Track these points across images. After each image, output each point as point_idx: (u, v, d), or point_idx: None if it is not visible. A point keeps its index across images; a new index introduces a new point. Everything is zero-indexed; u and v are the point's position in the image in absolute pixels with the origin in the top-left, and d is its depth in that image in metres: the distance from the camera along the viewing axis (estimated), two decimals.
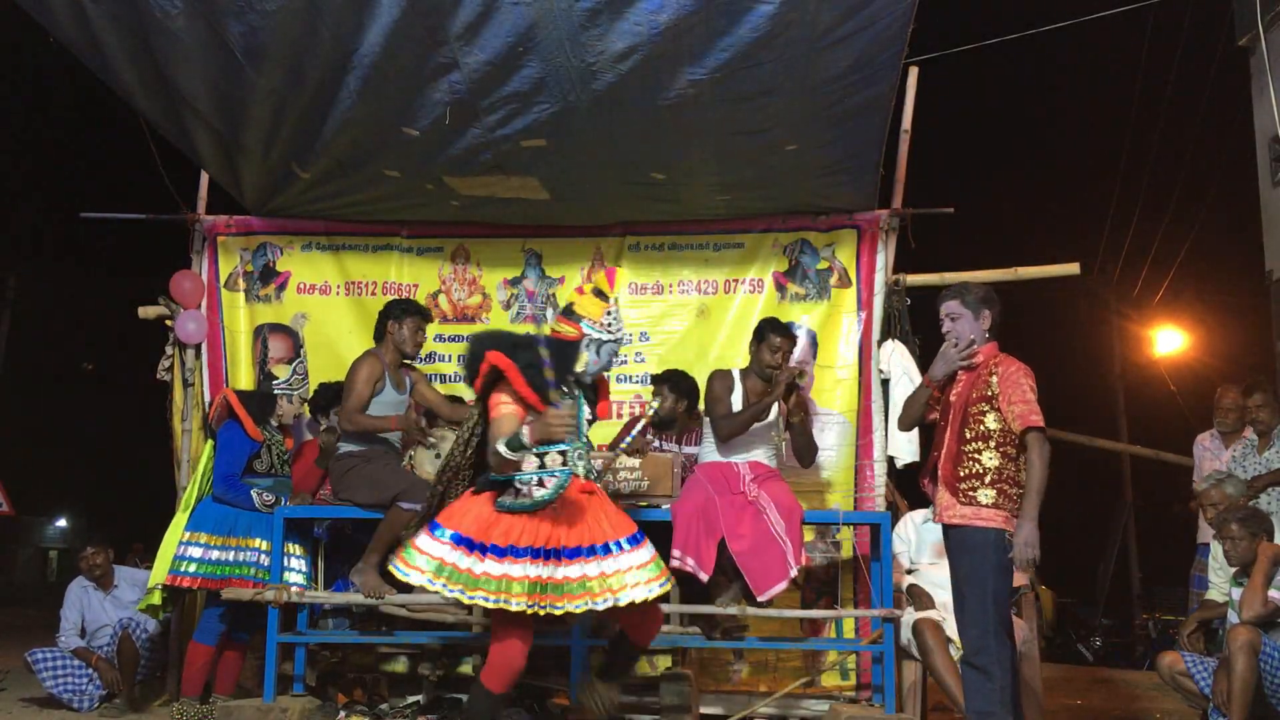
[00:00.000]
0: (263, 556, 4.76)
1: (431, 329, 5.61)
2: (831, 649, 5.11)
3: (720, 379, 4.76)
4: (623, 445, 4.60)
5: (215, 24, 4.04)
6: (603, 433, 5.06)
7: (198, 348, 5.77)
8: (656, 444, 5.15)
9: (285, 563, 4.71)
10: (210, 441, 5.08)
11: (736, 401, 4.71)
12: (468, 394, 5.55)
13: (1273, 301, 7.83)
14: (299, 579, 4.77)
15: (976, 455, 3.73)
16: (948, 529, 3.82)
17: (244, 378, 5.74)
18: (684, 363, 5.34)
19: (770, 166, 5.04)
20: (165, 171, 5.74)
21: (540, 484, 3.49)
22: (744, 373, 4.81)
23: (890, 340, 5.40)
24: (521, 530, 3.42)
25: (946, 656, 4.38)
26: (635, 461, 4.64)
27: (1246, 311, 13.82)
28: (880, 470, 5.38)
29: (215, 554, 4.77)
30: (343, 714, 4.68)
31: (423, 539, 3.44)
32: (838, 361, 5.53)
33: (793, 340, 4.84)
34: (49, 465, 21.61)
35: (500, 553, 3.37)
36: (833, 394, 5.51)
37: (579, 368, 3.64)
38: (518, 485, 3.50)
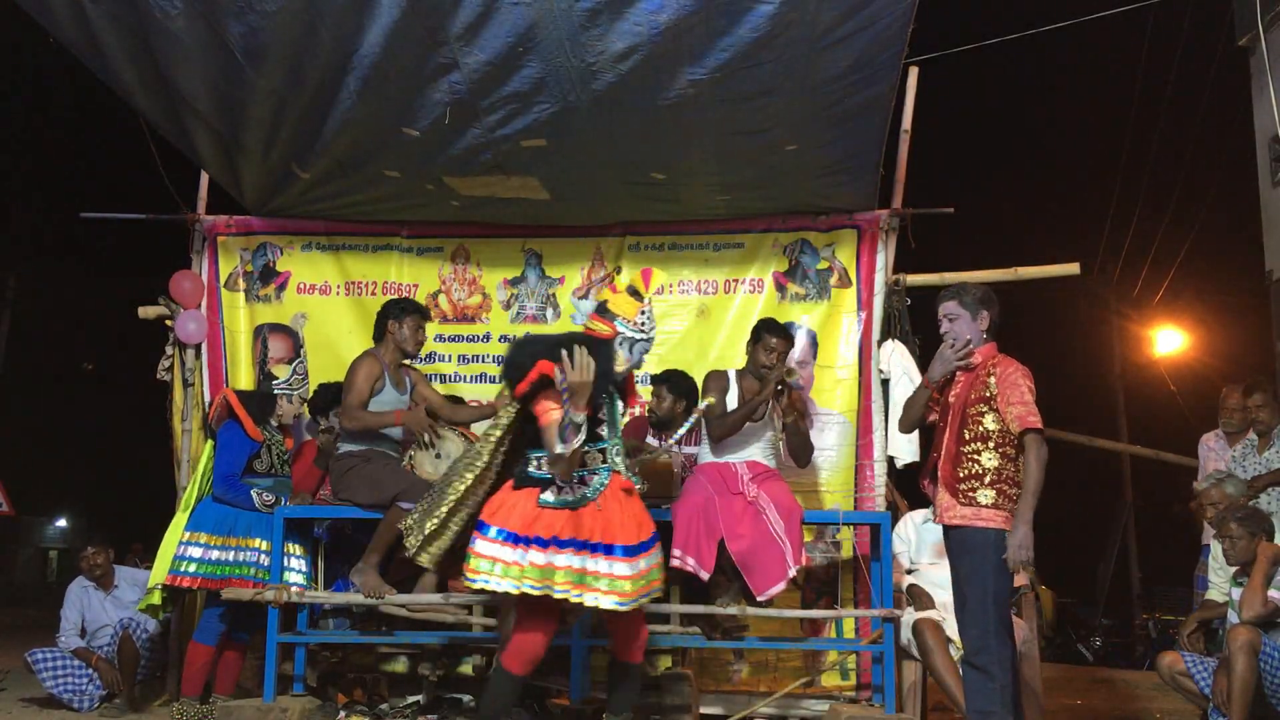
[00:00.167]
0: (263, 556, 4.76)
1: (431, 329, 5.62)
2: (831, 649, 5.11)
3: (715, 379, 4.78)
4: (671, 442, 4.63)
5: (215, 24, 4.04)
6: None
7: (198, 348, 5.78)
8: (656, 443, 5.16)
9: (285, 563, 4.71)
10: (210, 441, 5.08)
11: (731, 402, 4.72)
12: (468, 394, 5.59)
13: (1273, 301, 7.83)
14: (299, 579, 4.76)
15: (975, 456, 3.73)
16: (948, 530, 3.83)
17: (244, 378, 5.74)
18: (684, 363, 5.34)
19: (770, 166, 5.04)
20: (165, 171, 5.74)
21: (582, 481, 3.60)
22: (740, 373, 4.82)
23: (890, 340, 5.40)
24: (564, 523, 3.53)
25: (946, 656, 4.39)
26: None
27: (1246, 311, 13.83)
28: (880, 470, 5.38)
29: (215, 554, 4.77)
30: (343, 714, 4.68)
31: (478, 543, 3.58)
32: (838, 361, 5.53)
33: (789, 341, 4.84)
34: (49, 465, 21.61)
35: (544, 544, 3.50)
36: (833, 394, 5.51)
37: (617, 367, 3.71)
38: (559, 482, 3.59)
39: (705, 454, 4.81)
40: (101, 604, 5.59)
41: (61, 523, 29.08)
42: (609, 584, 3.50)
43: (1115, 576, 16.42)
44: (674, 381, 5.01)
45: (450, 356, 5.82)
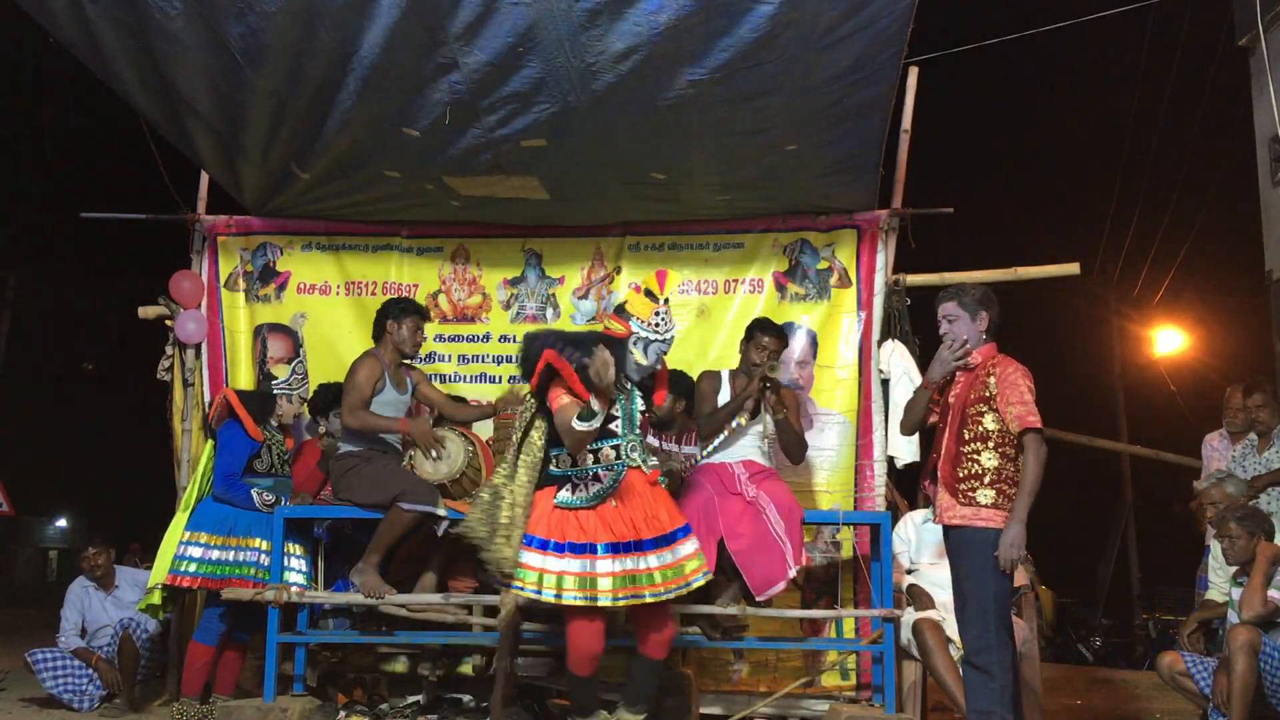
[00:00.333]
0: (263, 556, 4.76)
1: (431, 329, 5.62)
2: (831, 649, 5.10)
3: (708, 379, 4.81)
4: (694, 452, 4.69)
5: (215, 25, 4.04)
6: None
7: (198, 348, 5.78)
8: (657, 444, 5.16)
9: (285, 563, 4.71)
10: (210, 441, 5.08)
11: (723, 401, 4.73)
12: (468, 394, 5.59)
13: (1273, 301, 7.83)
14: (299, 579, 4.76)
15: (975, 456, 3.74)
16: (948, 530, 3.83)
17: (244, 378, 5.74)
18: (684, 363, 5.34)
19: (770, 166, 5.04)
20: (165, 171, 5.75)
21: (596, 478, 3.67)
22: (734, 373, 4.84)
23: (890, 340, 5.39)
24: (596, 525, 3.61)
25: (946, 656, 4.39)
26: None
27: (1246, 311, 13.82)
28: (880, 470, 5.37)
29: (215, 554, 4.77)
30: (343, 714, 4.68)
31: (523, 554, 3.66)
32: (838, 361, 5.53)
33: (782, 340, 4.85)
34: (49, 465, 21.61)
35: (578, 549, 3.58)
36: (833, 394, 5.51)
37: (627, 365, 3.78)
38: (574, 480, 3.69)
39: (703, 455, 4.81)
40: (102, 604, 5.59)
41: (61, 523, 29.08)
42: (647, 579, 3.59)
43: (1115, 576, 16.42)
44: (673, 381, 5.01)
45: (450, 356, 5.82)
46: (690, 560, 3.71)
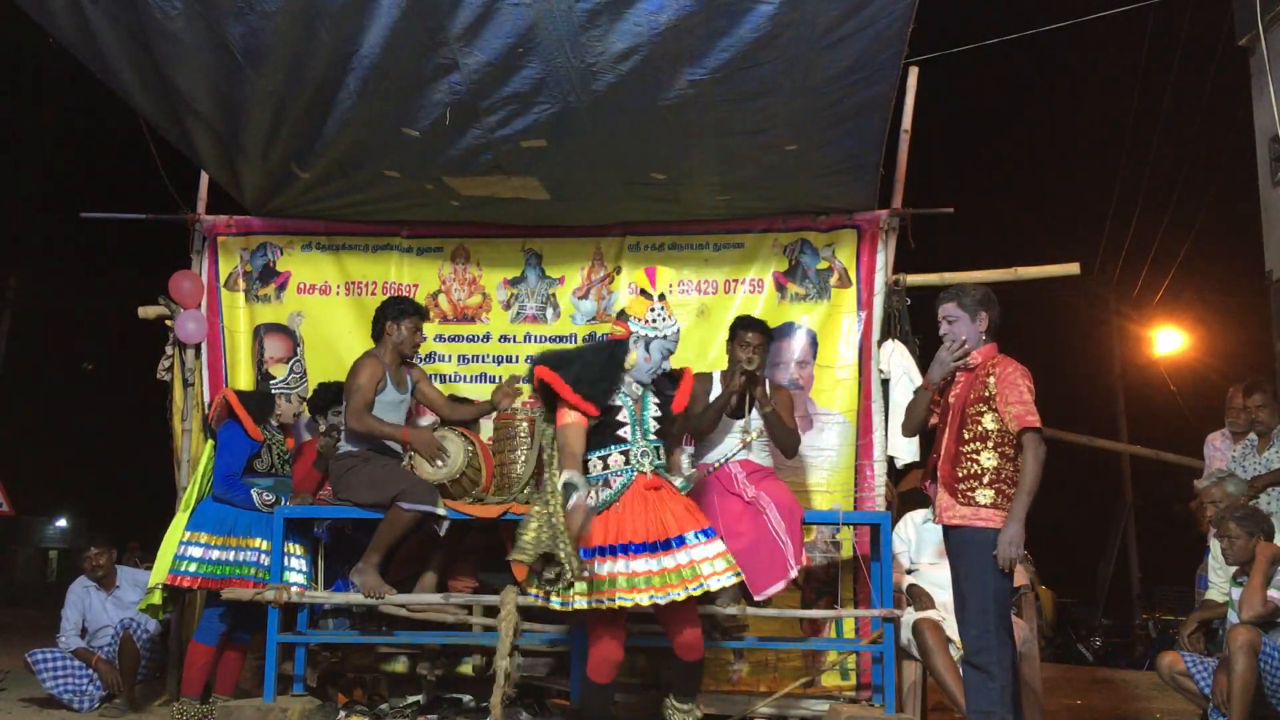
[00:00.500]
0: (263, 556, 4.76)
1: (431, 329, 5.62)
2: (831, 649, 5.10)
3: (699, 381, 4.81)
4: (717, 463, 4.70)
5: (215, 25, 4.03)
6: None
7: (198, 348, 5.77)
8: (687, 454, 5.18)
9: (285, 563, 4.71)
10: (210, 441, 5.08)
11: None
12: (469, 394, 5.59)
13: (1273, 301, 7.83)
14: (299, 579, 4.76)
15: (974, 456, 3.74)
16: (948, 530, 3.83)
17: (244, 378, 5.74)
18: (683, 363, 5.26)
19: (770, 166, 5.04)
20: (165, 171, 5.74)
21: (606, 484, 3.71)
22: (725, 374, 4.84)
23: (890, 340, 5.39)
24: (604, 529, 3.63)
25: (946, 656, 4.39)
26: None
27: (1246, 311, 13.83)
28: (880, 470, 5.37)
29: (215, 554, 4.77)
30: (343, 714, 4.68)
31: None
32: (838, 361, 5.53)
33: (765, 335, 4.85)
34: (49, 465, 21.61)
35: (587, 554, 3.59)
36: (833, 394, 5.50)
37: (628, 366, 3.81)
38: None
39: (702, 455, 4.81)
40: (103, 604, 5.59)
41: (61, 523, 29.08)
42: (645, 581, 3.58)
43: (1115, 576, 16.43)
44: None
45: (450, 356, 5.82)
46: (704, 564, 3.66)
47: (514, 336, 5.78)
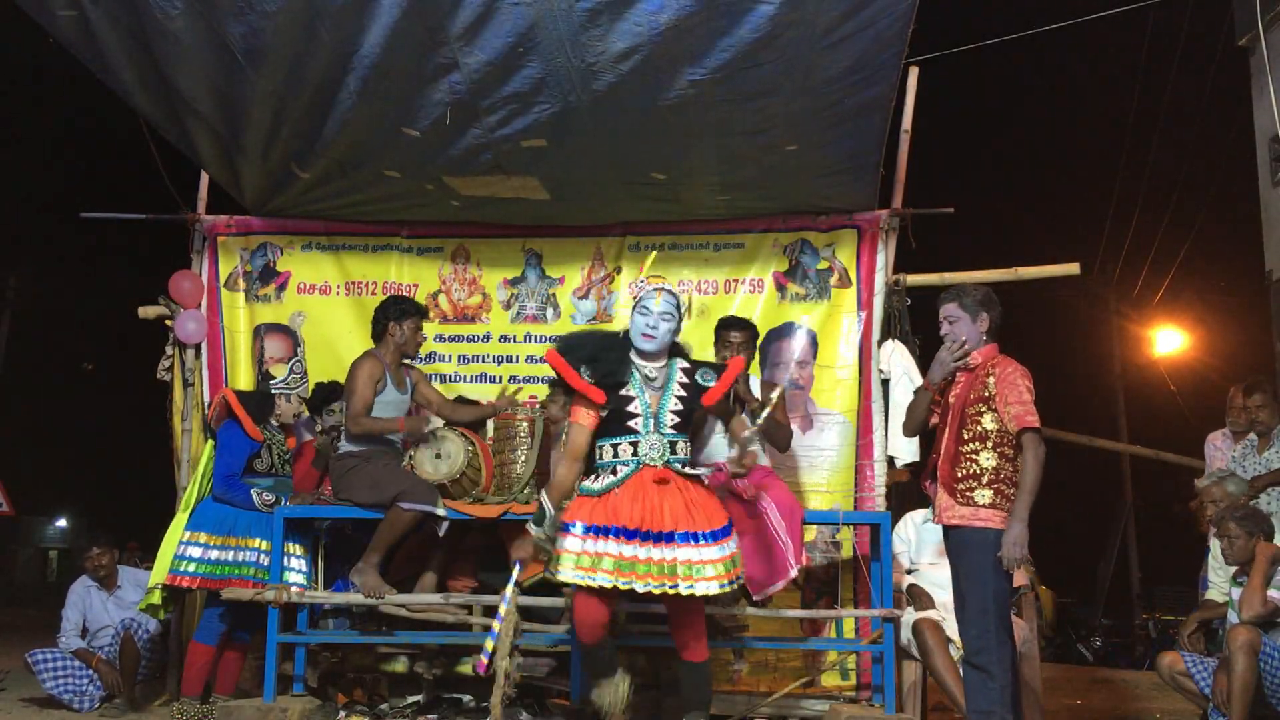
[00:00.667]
0: (262, 556, 4.76)
1: (431, 329, 5.62)
2: (831, 649, 5.10)
3: None
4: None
5: (215, 25, 4.03)
6: None
7: (198, 348, 5.78)
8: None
9: (285, 563, 4.71)
10: (210, 441, 5.08)
11: None
12: (469, 394, 5.58)
13: (1273, 301, 7.83)
14: (299, 579, 4.76)
15: (974, 456, 3.74)
16: (947, 530, 3.83)
17: (244, 378, 5.74)
18: None
19: (770, 166, 5.04)
20: (165, 171, 5.74)
21: (613, 471, 3.70)
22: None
23: (890, 340, 5.39)
24: (606, 511, 3.63)
25: (946, 656, 4.39)
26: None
27: (1246, 311, 13.84)
28: (880, 470, 5.37)
29: (215, 554, 4.76)
30: (343, 714, 4.68)
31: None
32: (838, 361, 5.53)
33: (748, 332, 4.82)
34: (49, 465, 21.62)
35: (586, 530, 3.61)
36: (833, 394, 5.50)
37: (638, 364, 3.78)
38: (598, 470, 3.76)
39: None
40: (104, 604, 5.59)
41: (61, 523, 29.09)
42: (645, 569, 3.55)
43: (1115, 576, 16.44)
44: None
45: (450, 356, 5.82)
46: (689, 566, 3.60)
47: (514, 336, 5.78)
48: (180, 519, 4.95)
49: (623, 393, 3.72)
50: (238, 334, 5.86)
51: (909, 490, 5.51)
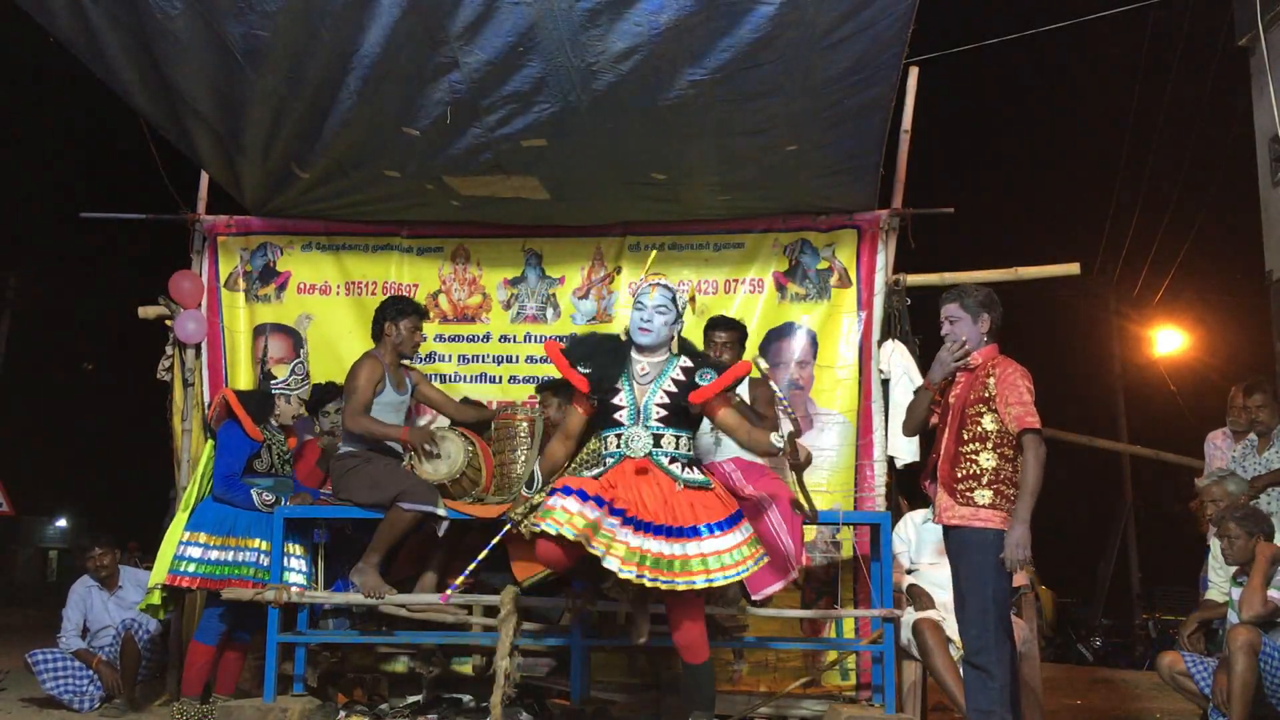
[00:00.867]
0: (262, 557, 4.76)
1: (431, 329, 5.62)
2: (831, 649, 5.10)
3: (758, 386, 4.84)
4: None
5: (215, 25, 4.03)
6: None
7: (198, 348, 5.78)
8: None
9: (285, 563, 4.71)
10: (210, 441, 5.07)
11: None
12: (469, 394, 5.59)
13: (1273, 301, 7.83)
14: (299, 579, 4.76)
15: (974, 456, 3.74)
16: (947, 530, 3.84)
17: (244, 378, 5.74)
18: None
19: (770, 166, 5.04)
20: (165, 171, 5.74)
21: (601, 463, 3.81)
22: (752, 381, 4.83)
23: (890, 340, 5.39)
24: (597, 485, 3.68)
25: (946, 656, 4.39)
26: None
27: (1246, 311, 13.83)
28: (880, 470, 5.37)
29: (214, 554, 4.76)
30: (343, 714, 4.68)
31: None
32: (838, 361, 5.53)
33: (734, 332, 4.85)
34: (49, 465, 21.62)
35: (560, 490, 3.65)
36: (833, 394, 5.50)
37: (632, 364, 3.85)
38: (597, 461, 3.88)
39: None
40: (104, 604, 5.59)
41: (61, 523, 29.07)
42: (581, 521, 3.53)
43: (1115, 576, 16.44)
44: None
45: (450, 356, 5.82)
46: (677, 560, 3.58)
47: (514, 336, 5.78)
48: (180, 519, 4.94)
49: (611, 386, 3.81)
50: (238, 334, 5.86)
51: (906, 491, 5.52)
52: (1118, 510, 16.80)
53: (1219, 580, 4.94)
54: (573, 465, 4.05)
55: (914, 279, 5.50)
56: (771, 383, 4.07)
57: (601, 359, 3.86)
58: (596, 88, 4.26)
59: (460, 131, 4.65)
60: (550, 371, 5.07)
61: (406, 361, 4.90)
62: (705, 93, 4.29)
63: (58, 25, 4.18)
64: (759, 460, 4.76)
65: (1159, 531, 15.99)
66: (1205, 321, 16.63)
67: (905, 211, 5.51)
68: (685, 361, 3.88)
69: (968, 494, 3.73)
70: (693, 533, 3.65)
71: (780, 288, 5.66)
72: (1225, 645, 4.41)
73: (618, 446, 3.78)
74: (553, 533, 3.52)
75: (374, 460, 4.62)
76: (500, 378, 5.68)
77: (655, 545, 3.59)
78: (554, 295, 5.82)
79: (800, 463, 3.75)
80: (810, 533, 5.17)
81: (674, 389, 3.81)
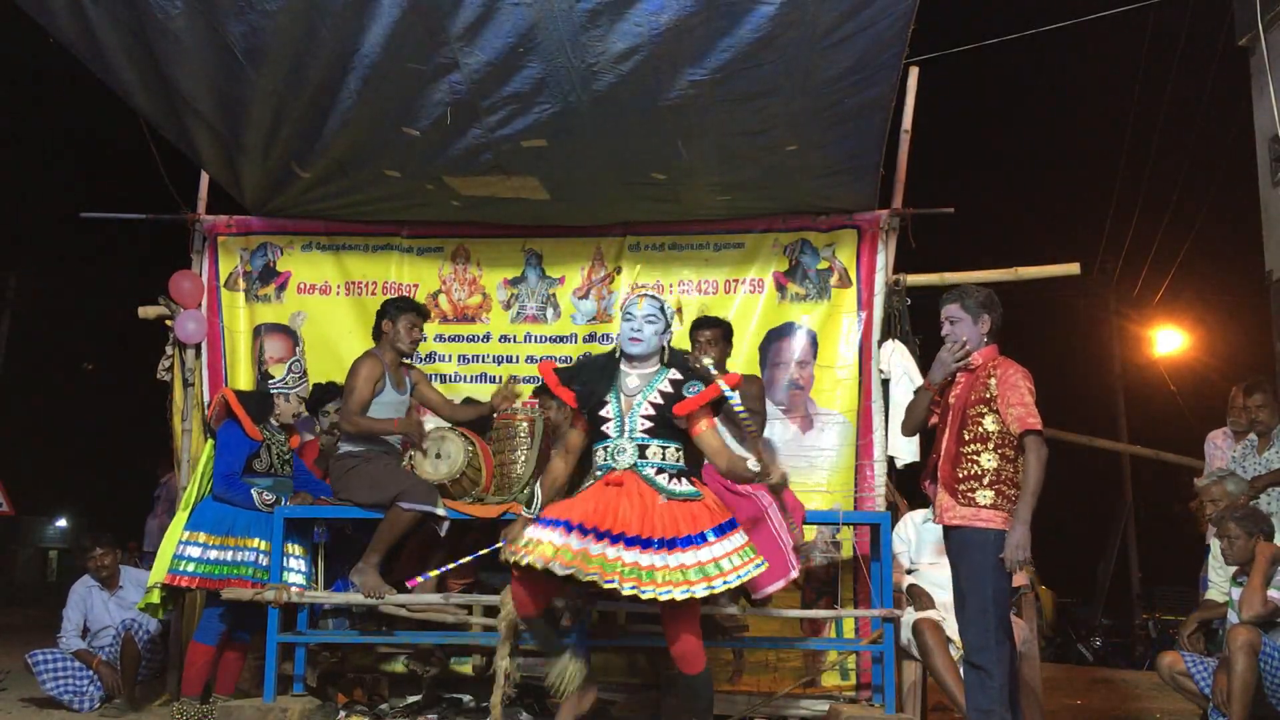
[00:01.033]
0: (261, 556, 4.75)
1: (431, 329, 5.62)
2: (831, 649, 5.11)
3: (752, 383, 4.85)
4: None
5: (216, 24, 4.04)
6: None
7: (198, 348, 5.78)
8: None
9: (285, 563, 4.71)
10: (210, 441, 5.07)
11: None
12: (469, 394, 5.58)
13: (1273, 301, 7.82)
14: (298, 579, 4.76)
15: (975, 457, 3.74)
16: (948, 530, 3.84)
17: (244, 377, 5.74)
18: None
19: (771, 167, 5.04)
20: (165, 171, 5.74)
21: (593, 475, 3.82)
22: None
23: (890, 340, 5.40)
24: (569, 507, 3.69)
25: (946, 656, 4.39)
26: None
27: (1246, 311, 13.82)
28: (880, 470, 5.38)
29: (213, 553, 4.76)
30: (343, 714, 4.68)
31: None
32: (838, 361, 5.53)
33: (717, 330, 4.85)
34: (49, 465, 21.59)
35: (545, 523, 3.66)
36: (833, 394, 5.51)
37: (621, 378, 3.85)
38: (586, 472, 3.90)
39: None
40: (105, 604, 5.59)
41: (61, 523, 29.05)
42: (552, 550, 3.54)
43: (1115, 576, 16.42)
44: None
45: (450, 356, 5.82)
46: (661, 571, 3.53)
47: (514, 336, 5.79)
48: (180, 518, 4.94)
49: (599, 400, 3.80)
50: (238, 334, 5.86)
51: (906, 491, 5.52)
52: (1118, 510, 16.79)
53: (1219, 580, 4.94)
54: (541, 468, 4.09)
55: (914, 279, 5.50)
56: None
57: (589, 373, 3.88)
58: (597, 88, 4.26)
59: (460, 132, 4.65)
60: None
61: (407, 361, 4.90)
62: (705, 93, 4.29)
63: (58, 25, 4.18)
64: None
65: (1159, 531, 15.97)
66: (1205, 321, 16.63)
67: (905, 211, 5.51)
68: (674, 374, 3.84)
69: (969, 494, 3.73)
70: (685, 542, 3.60)
71: (780, 288, 5.66)
72: (1225, 645, 4.41)
73: (605, 459, 3.77)
74: (539, 567, 3.51)
75: (374, 460, 4.62)
76: (500, 378, 5.67)
77: (646, 559, 3.55)
78: (554, 295, 5.82)
79: (777, 484, 3.90)
80: (810, 533, 5.17)
81: (661, 400, 3.79)
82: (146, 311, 5.92)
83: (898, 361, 5.29)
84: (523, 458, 4.82)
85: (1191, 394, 15.34)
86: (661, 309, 3.87)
